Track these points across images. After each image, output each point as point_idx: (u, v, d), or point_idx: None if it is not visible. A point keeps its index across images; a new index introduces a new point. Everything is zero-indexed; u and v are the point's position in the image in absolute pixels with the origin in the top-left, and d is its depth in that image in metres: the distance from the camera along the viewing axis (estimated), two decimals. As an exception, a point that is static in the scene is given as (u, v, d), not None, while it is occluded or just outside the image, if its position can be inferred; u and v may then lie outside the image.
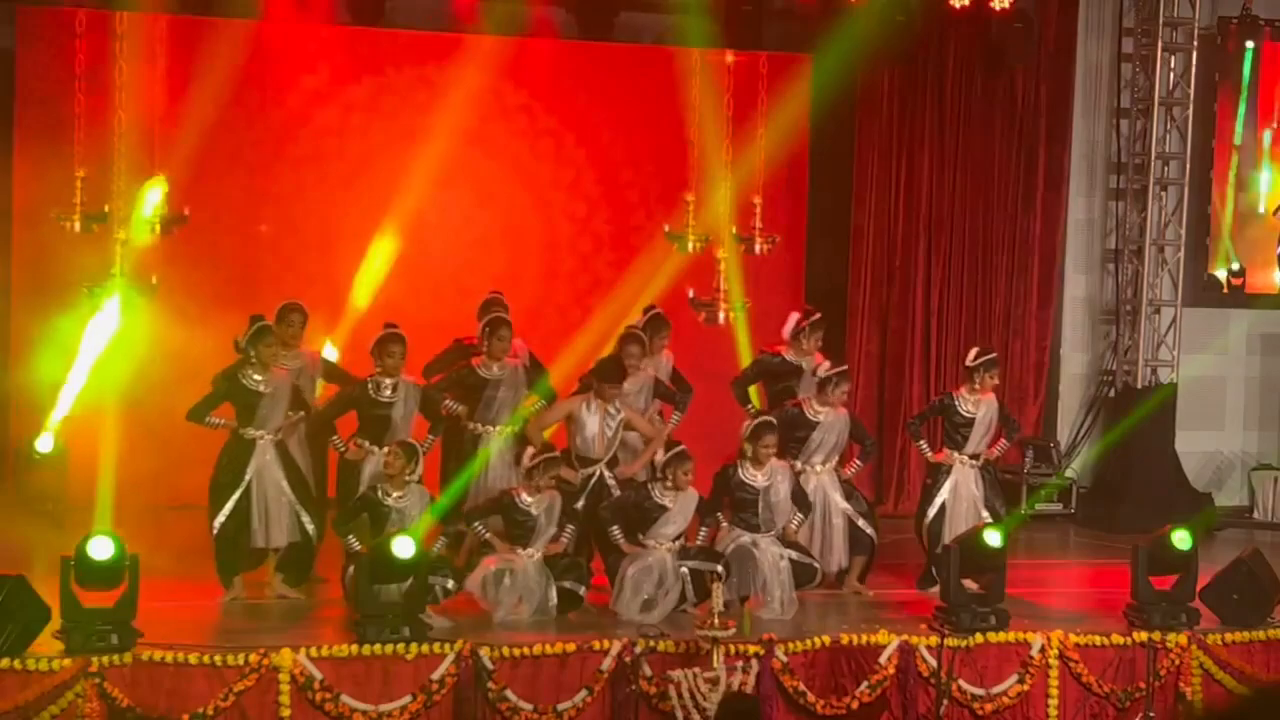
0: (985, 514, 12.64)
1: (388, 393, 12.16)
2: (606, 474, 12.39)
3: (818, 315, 13.26)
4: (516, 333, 12.77)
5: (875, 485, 16.07)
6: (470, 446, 12.53)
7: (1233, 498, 17.02)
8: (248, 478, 11.76)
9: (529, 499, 11.58)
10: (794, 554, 12.02)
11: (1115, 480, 16.39)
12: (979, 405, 12.79)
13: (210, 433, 12.06)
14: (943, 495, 12.74)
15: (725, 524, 12.16)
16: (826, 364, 12.85)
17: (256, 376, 11.83)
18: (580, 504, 12.18)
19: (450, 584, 11.33)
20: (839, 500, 12.60)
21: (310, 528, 11.92)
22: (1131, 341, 16.78)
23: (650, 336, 13.01)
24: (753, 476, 12.01)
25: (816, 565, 12.19)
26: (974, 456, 12.79)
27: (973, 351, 13.10)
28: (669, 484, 11.74)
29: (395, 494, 11.38)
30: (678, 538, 11.79)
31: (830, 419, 12.61)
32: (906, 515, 14.51)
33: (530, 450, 11.76)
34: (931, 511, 12.76)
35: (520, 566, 11.46)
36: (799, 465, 12.48)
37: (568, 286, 15.97)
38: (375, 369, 12.19)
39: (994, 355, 13.09)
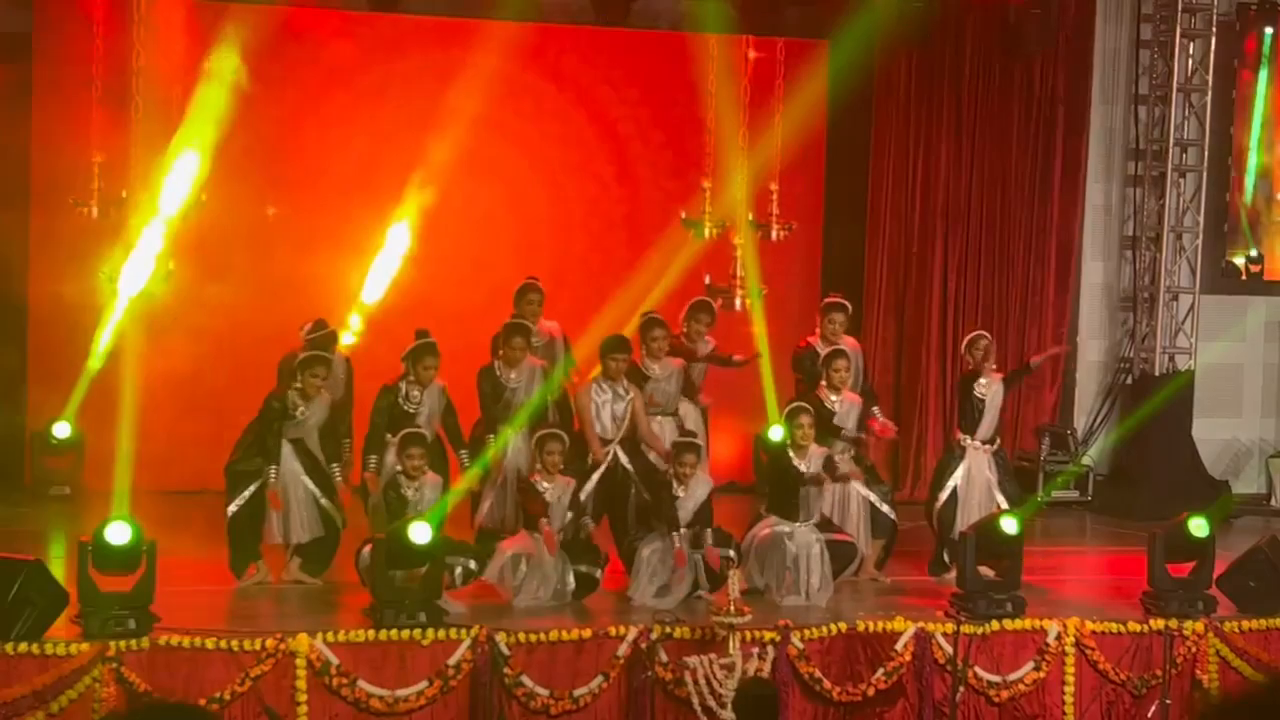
0: (999, 498, 12.62)
1: (416, 402, 12.17)
2: (620, 454, 12.39)
3: (830, 299, 13.30)
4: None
5: (891, 471, 16.04)
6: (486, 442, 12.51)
7: (1250, 485, 16.99)
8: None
9: (545, 484, 11.61)
10: (830, 536, 12.01)
11: (1132, 468, 16.37)
12: (989, 388, 12.80)
13: (226, 418, 12.07)
14: (955, 480, 12.73)
15: (762, 510, 12.15)
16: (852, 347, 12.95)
17: (298, 402, 11.85)
18: (593, 485, 12.20)
19: (473, 565, 11.36)
20: (859, 486, 12.58)
21: (336, 518, 11.94)
22: (1149, 329, 16.76)
23: (688, 322, 13.02)
24: (797, 463, 12.01)
25: (855, 544, 12.20)
26: (987, 441, 12.78)
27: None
28: (672, 474, 11.80)
29: (412, 485, 11.41)
30: (692, 524, 11.79)
31: (845, 407, 12.61)
32: (922, 502, 14.51)
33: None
34: (943, 496, 12.74)
35: (536, 549, 11.47)
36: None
37: (581, 267, 15.93)
38: (408, 376, 12.19)
39: (979, 333, 13.08)
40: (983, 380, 12.78)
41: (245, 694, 10.23)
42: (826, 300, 13.36)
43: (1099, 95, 16.90)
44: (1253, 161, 17.01)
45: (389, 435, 11.98)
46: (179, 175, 14.01)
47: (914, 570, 12.95)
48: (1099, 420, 16.98)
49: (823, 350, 12.85)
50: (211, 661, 10.24)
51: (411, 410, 12.13)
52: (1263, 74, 16.87)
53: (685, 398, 12.96)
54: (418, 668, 10.53)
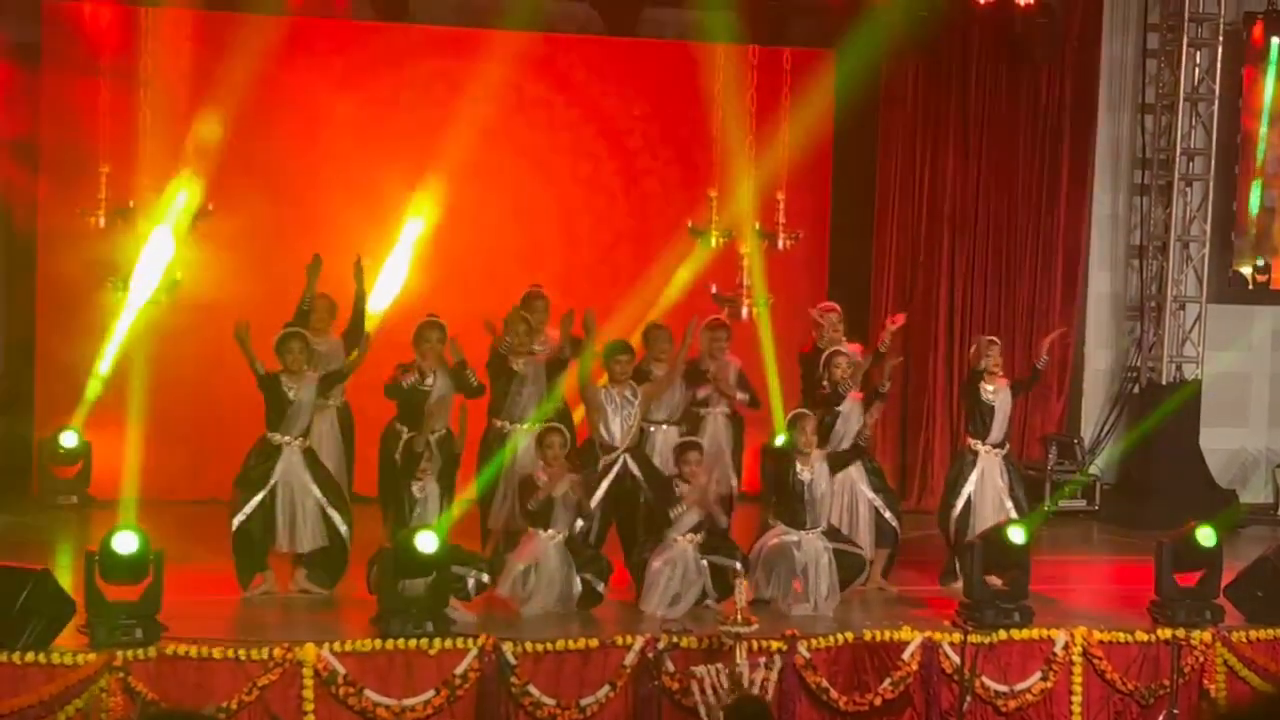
0: (1009, 506, 12.61)
1: (429, 382, 12.23)
2: (629, 461, 12.39)
3: (823, 305, 13.34)
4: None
5: (898, 480, 16.04)
6: (498, 445, 12.53)
7: (1257, 494, 16.98)
8: (273, 481, 11.78)
9: (547, 479, 11.63)
10: (839, 546, 12.01)
11: (1139, 477, 16.36)
12: (997, 394, 12.80)
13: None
14: (969, 488, 12.72)
15: (770, 519, 12.14)
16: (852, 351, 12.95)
17: (290, 383, 11.88)
18: (603, 492, 12.21)
19: (485, 578, 11.37)
20: (866, 491, 12.58)
21: (343, 529, 11.92)
22: (1156, 338, 16.76)
23: (706, 341, 13.02)
24: (801, 471, 12.01)
25: (863, 554, 12.20)
26: (997, 446, 12.79)
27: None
28: (678, 476, 11.82)
29: (416, 485, 11.43)
30: (699, 529, 11.80)
31: (848, 408, 12.61)
32: (929, 511, 14.52)
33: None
34: (958, 505, 12.72)
35: (543, 553, 11.48)
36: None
37: (588, 276, 15.94)
38: (415, 358, 12.28)
39: (990, 339, 13.13)
40: (990, 386, 12.79)
41: (252, 704, 10.22)
42: (816, 309, 13.41)
43: (1106, 104, 16.91)
44: (1259, 168, 16.99)
45: (403, 428, 12.06)
46: (186, 185, 14.03)
47: (921, 580, 12.94)
48: (1106, 430, 16.98)
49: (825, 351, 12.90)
50: (218, 671, 10.24)
51: (425, 389, 12.18)
52: (1269, 81, 16.86)
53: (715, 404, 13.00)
54: (425, 677, 10.53)
